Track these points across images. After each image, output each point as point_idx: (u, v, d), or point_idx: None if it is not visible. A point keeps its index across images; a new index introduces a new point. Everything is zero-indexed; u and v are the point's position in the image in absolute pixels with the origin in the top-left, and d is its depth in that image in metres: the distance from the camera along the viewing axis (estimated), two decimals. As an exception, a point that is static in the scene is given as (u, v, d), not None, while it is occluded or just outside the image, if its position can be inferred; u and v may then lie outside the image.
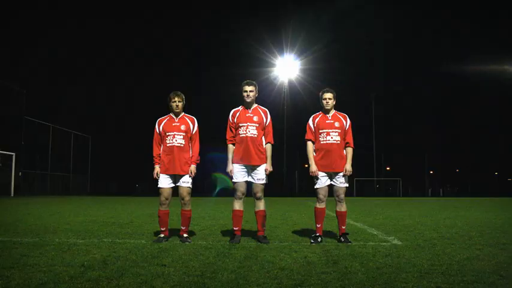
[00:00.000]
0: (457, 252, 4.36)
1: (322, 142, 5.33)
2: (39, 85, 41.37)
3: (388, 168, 63.74)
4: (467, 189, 59.55)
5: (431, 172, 65.03)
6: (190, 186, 5.31)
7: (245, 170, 5.27)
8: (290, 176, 48.16)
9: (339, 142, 5.29)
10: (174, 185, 5.33)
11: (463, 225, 7.43)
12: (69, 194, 33.92)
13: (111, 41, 61.18)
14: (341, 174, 5.28)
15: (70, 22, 63.76)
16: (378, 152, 48.73)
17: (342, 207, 5.30)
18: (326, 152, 5.27)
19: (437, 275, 3.31)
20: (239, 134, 5.26)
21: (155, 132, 5.41)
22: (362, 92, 47.86)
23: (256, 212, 5.29)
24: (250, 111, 5.31)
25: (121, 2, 67.40)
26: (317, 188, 5.32)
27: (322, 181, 5.29)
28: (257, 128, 5.24)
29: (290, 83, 41.98)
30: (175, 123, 5.33)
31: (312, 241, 5.11)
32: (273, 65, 41.73)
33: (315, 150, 5.40)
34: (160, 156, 5.35)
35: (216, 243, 4.98)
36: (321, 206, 5.31)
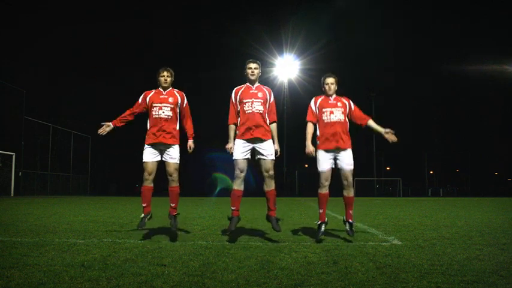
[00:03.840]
0: (457, 252, 4.36)
1: (326, 121, 5.31)
2: (39, 85, 41.32)
3: (388, 168, 63.75)
4: (467, 189, 59.54)
5: (431, 172, 65.03)
6: (178, 162, 5.33)
7: (248, 147, 5.20)
8: (290, 176, 48.17)
9: (342, 120, 5.30)
10: (158, 159, 5.33)
11: (463, 225, 7.43)
12: (69, 194, 33.91)
13: (112, 41, 61.17)
14: (345, 152, 5.25)
15: (70, 22, 63.74)
16: (378, 152, 48.75)
17: (350, 192, 5.29)
18: (330, 130, 5.26)
19: (437, 275, 3.31)
20: (244, 110, 5.21)
21: (136, 102, 5.43)
22: (362, 92, 47.83)
23: (267, 192, 5.22)
24: (254, 88, 5.31)
25: (121, 1, 67.40)
26: (320, 172, 5.29)
27: (326, 164, 5.26)
28: (262, 104, 5.23)
29: (290, 83, 42.02)
30: (162, 96, 5.37)
31: (318, 233, 5.18)
32: (272, 65, 41.74)
33: (318, 135, 5.38)
34: (126, 121, 5.44)
35: (216, 243, 4.97)
36: (323, 191, 5.29)
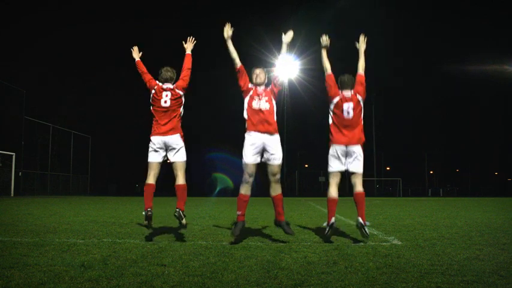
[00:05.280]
0: (457, 252, 4.36)
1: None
2: (39, 85, 41.31)
3: (388, 168, 63.74)
4: (467, 189, 59.53)
5: (431, 172, 65.03)
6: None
7: (258, 149, 5.08)
8: (290, 176, 48.16)
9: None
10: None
11: (463, 225, 7.43)
12: (69, 194, 33.91)
13: (112, 41, 61.18)
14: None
15: (70, 22, 63.82)
16: (378, 152, 48.77)
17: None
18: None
19: (437, 275, 3.31)
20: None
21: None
22: (362, 92, 47.76)
23: (274, 197, 5.18)
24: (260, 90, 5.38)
25: (121, 1, 67.43)
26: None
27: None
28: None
29: (290, 83, 42.00)
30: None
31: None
32: (272, 65, 41.71)
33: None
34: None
35: (216, 243, 4.97)
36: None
